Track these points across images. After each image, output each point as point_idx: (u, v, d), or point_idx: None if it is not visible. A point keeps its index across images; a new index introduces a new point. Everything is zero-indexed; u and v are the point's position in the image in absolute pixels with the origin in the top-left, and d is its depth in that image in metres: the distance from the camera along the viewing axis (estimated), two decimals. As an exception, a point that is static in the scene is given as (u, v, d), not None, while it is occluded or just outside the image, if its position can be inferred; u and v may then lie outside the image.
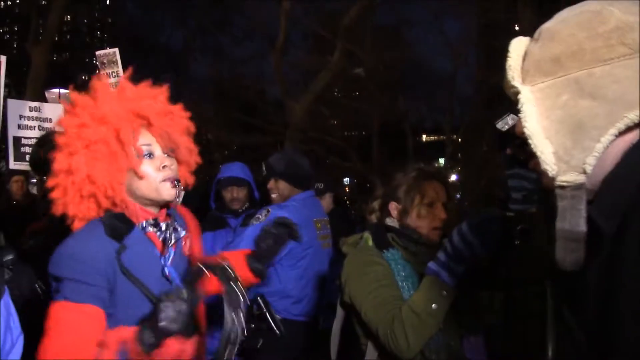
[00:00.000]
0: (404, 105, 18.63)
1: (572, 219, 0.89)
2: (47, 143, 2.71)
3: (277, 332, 2.88)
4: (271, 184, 3.23)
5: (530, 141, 0.92)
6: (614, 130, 0.86)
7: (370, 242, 2.11)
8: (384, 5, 17.08)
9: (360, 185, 24.84)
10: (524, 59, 0.98)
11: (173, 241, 1.67)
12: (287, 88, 14.36)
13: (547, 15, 1.01)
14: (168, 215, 1.74)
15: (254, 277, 2.05)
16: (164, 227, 1.67)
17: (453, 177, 19.16)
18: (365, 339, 2.06)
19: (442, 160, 19.22)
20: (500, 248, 1.75)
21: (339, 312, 2.21)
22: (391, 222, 2.16)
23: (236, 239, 2.99)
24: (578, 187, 0.88)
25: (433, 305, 1.81)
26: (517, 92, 0.97)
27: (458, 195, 14.96)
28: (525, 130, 0.93)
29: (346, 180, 25.18)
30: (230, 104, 16.72)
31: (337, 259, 3.27)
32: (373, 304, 1.94)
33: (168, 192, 1.64)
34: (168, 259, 1.64)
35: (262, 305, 2.89)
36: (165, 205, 1.71)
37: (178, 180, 1.66)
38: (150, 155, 1.65)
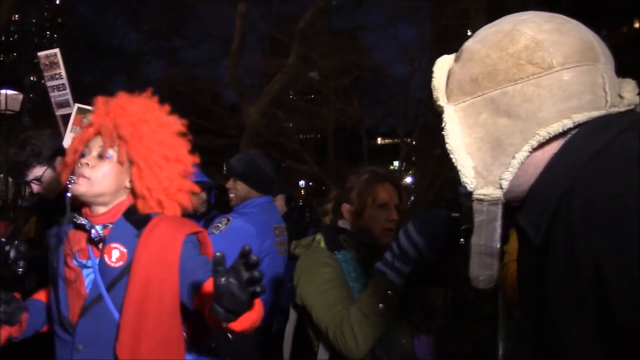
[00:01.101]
0: (359, 108, 18.73)
1: (488, 235, 0.91)
2: (27, 145, 2.64)
3: (229, 336, 2.86)
4: (229, 183, 3.21)
5: (451, 156, 0.95)
6: (527, 147, 0.88)
7: (323, 244, 2.11)
8: (339, 10, 17.21)
9: (315, 188, 24.89)
10: (448, 78, 1.01)
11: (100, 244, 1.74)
12: (243, 91, 14.27)
13: None
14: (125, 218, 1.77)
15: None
16: (82, 223, 1.74)
17: (407, 180, 19.39)
18: (317, 341, 2.06)
19: (396, 163, 19.45)
20: (445, 248, 1.78)
21: (292, 314, 2.21)
22: (343, 223, 2.17)
23: None
24: (495, 202, 0.90)
25: (380, 305, 1.82)
26: (443, 111, 1.00)
27: (412, 198, 15.15)
28: (447, 146, 0.96)
29: (302, 183, 25.21)
30: (185, 107, 16.56)
31: (290, 263, 3.27)
32: (323, 305, 1.94)
33: (69, 187, 1.71)
34: (75, 256, 1.75)
35: (215, 309, 2.87)
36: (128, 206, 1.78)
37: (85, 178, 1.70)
38: (83, 155, 1.75)
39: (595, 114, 0.88)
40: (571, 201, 0.80)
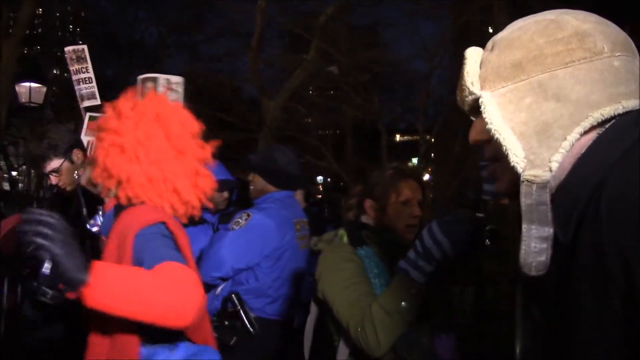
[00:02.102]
0: (379, 105, 18.68)
1: (539, 218, 0.89)
2: (44, 138, 2.72)
3: (251, 330, 2.88)
4: (250, 176, 3.23)
5: (498, 137, 0.93)
6: (579, 129, 0.88)
7: (345, 239, 2.12)
8: (360, 5, 17.12)
9: (334, 184, 24.88)
10: (480, 68, 1.00)
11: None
12: (263, 86, 14.31)
13: (520, 17, 1.03)
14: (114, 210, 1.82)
15: None
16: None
17: (426, 177, 19.31)
18: (337, 336, 2.07)
19: (415, 160, 19.36)
20: (469, 248, 1.78)
21: (313, 309, 2.22)
22: (366, 219, 2.18)
23: (217, 242, 2.96)
24: (544, 184, 0.89)
25: (402, 303, 1.83)
26: (475, 99, 0.99)
27: (431, 195, 15.10)
28: (492, 127, 0.94)
29: (320, 178, 25.22)
30: (205, 102, 16.62)
31: (311, 258, 3.28)
32: (345, 301, 1.95)
33: None
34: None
35: (237, 303, 2.89)
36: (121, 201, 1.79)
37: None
38: None
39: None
40: (599, 199, 0.79)
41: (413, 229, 2.10)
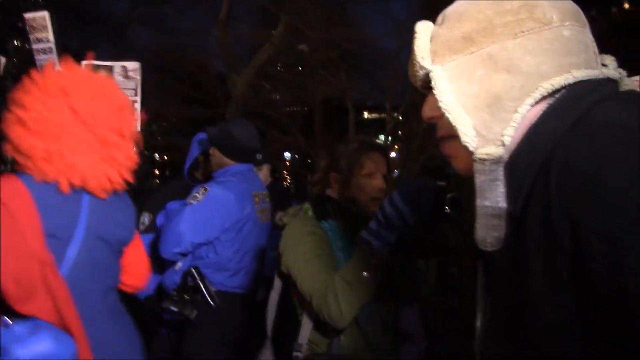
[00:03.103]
0: (347, 82, 18.63)
1: (492, 195, 0.89)
2: None
3: (212, 303, 2.86)
4: (210, 150, 3.20)
5: (448, 117, 0.91)
6: (530, 100, 0.87)
7: (310, 213, 2.09)
8: (329, -19, 16.96)
9: (301, 160, 24.87)
10: (430, 42, 0.99)
11: None
12: (231, 61, 14.11)
13: None
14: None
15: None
16: None
17: (393, 154, 19.41)
18: (301, 309, 2.06)
19: (382, 137, 19.43)
20: (431, 216, 1.76)
21: (277, 283, 2.20)
22: (331, 193, 2.15)
23: (174, 218, 2.92)
24: (497, 160, 0.88)
25: (364, 273, 1.81)
26: (427, 74, 0.97)
27: (397, 172, 15.18)
28: (442, 106, 0.92)
29: (287, 155, 25.16)
30: (172, 76, 16.36)
31: (274, 232, 3.26)
32: (308, 273, 1.93)
33: None
34: None
35: (196, 276, 2.86)
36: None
37: None
38: None
39: (590, 72, 0.87)
40: (549, 170, 0.79)
41: (377, 201, 2.08)
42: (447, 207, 1.73)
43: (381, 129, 20.34)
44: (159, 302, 2.95)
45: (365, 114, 28.87)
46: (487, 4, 0.92)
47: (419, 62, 0.98)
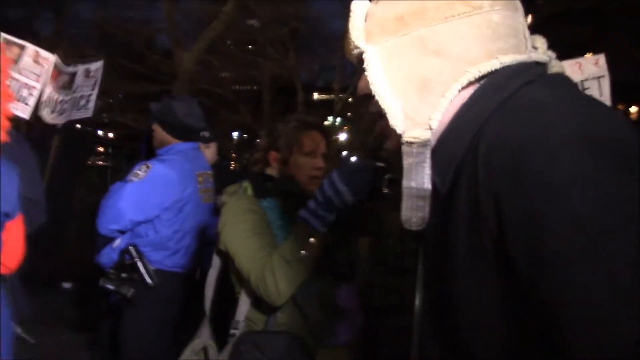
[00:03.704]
0: (296, 61, 18.55)
1: (418, 177, 0.91)
2: None
3: (150, 282, 2.83)
4: (153, 126, 3.14)
5: (377, 99, 0.92)
6: (457, 85, 0.88)
7: (249, 191, 2.09)
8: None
9: (249, 140, 24.72)
10: (365, 21, 0.99)
11: None
12: (178, 36, 13.82)
13: None
14: None
15: None
16: None
17: (343, 136, 19.52)
18: (239, 287, 2.06)
19: (331, 119, 19.48)
20: (369, 197, 1.79)
21: (215, 261, 2.19)
22: (271, 171, 2.15)
23: (114, 194, 2.86)
24: (424, 143, 0.89)
25: (302, 251, 1.83)
26: (361, 53, 0.97)
27: (345, 153, 15.27)
28: (372, 87, 0.93)
29: (235, 134, 24.93)
30: (116, 50, 15.90)
31: (217, 212, 3.24)
32: (246, 251, 1.93)
33: None
34: None
35: (134, 255, 2.82)
36: None
37: None
38: None
39: (518, 57, 0.89)
40: (477, 148, 0.81)
41: (316, 180, 2.09)
42: (384, 188, 1.77)
43: (330, 110, 20.38)
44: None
45: (315, 95, 28.85)
46: None
47: (353, 41, 0.98)
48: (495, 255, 0.77)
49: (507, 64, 0.88)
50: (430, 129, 0.89)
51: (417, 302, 2.24)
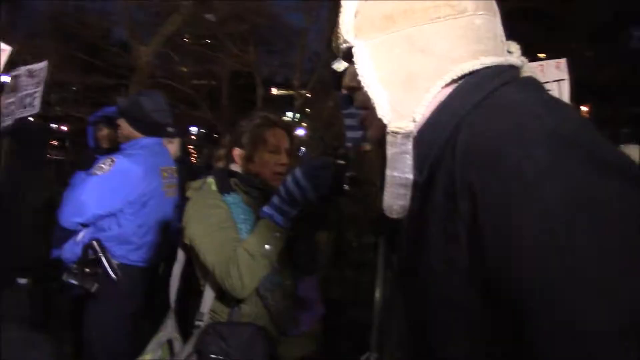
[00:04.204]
0: (256, 57, 18.45)
1: (400, 166, 0.95)
2: None
3: (113, 276, 2.85)
4: (118, 121, 3.15)
5: (367, 90, 0.97)
6: (441, 82, 0.94)
7: (214, 187, 2.14)
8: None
9: (208, 135, 24.48)
10: (355, 17, 1.04)
11: None
12: (134, 30, 13.61)
13: None
14: None
15: None
16: None
17: (301, 132, 19.51)
18: (203, 281, 2.11)
19: (290, 114, 19.44)
20: (331, 193, 1.87)
21: (180, 256, 2.23)
22: (235, 167, 2.20)
23: (78, 187, 2.87)
24: (407, 134, 0.94)
25: (266, 246, 1.90)
26: (350, 47, 1.02)
27: (303, 149, 15.29)
28: (361, 79, 0.98)
29: (194, 129, 24.68)
30: (73, 44, 15.56)
31: (181, 206, 3.27)
32: (211, 245, 1.98)
33: None
34: None
35: (98, 249, 2.84)
36: None
37: None
38: None
39: (496, 59, 0.96)
40: (455, 142, 0.87)
41: (280, 176, 2.15)
42: (346, 185, 1.85)
43: (289, 106, 20.34)
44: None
45: (274, 90, 28.74)
46: None
47: (342, 36, 1.03)
48: (468, 243, 0.82)
49: (486, 64, 0.94)
50: (414, 121, 0.95)
51: (377, 295, 2.35)
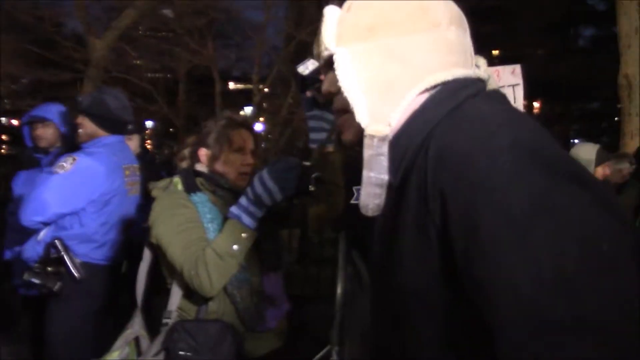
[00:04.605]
0: (213, 51, 18.30)
1: (377, 167, 1.02)
2: None
3: (77, 275, 2.85)
4: (78, 119, 3.12)
5: (347, 95, 1.04)
6: (416, 90, 1.01)
7: (180, 186, 2.17)
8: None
9: (164, 129, 24.19)
10: (337, 26, 1.10)
11: None
12: (89, 23, 13.35)
13: None
14: None
15: None
16: None
17: (259, 127, 19.47)
18: (170, 279, 2.14)
19: (248, 109, 19.37)
20: (297, 194, 1.94)
21: (146, 254, 2.26)
22: (201, 167, 2.24)
23: (39, 186, 2.85)
24: (383, 138, 1.01)
25: (234, 246, 1.95)
26: (330, 55, 1.09)
27: (263, 145, 15.27)
28: (341, 84, 1.04)
29: (149, 123, 24.36)
30: (23, 36, 15.13)
31: (144, 204, 3.28)
32: (179, 245, 2.01)
33: None
34: None
35: (60, 248, 2.83)
36: None
37: None
38: None
39: (466, 72, 1.04)
40: (428, 148, 0.94)
41: (245, 176, 2.21)
42: (311, 186, 1.92)
43: (247, 100, 20.25)
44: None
45: (232, 85, 28.55)
46: (389, 1, 1.05)
47: (324, 43, 1.10)
48: (438, 243, 0.89)
49: (457, 76, 1.02)
50: (390, 125, 1.02)
51: (339, 290, 2.44)
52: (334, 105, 1.13)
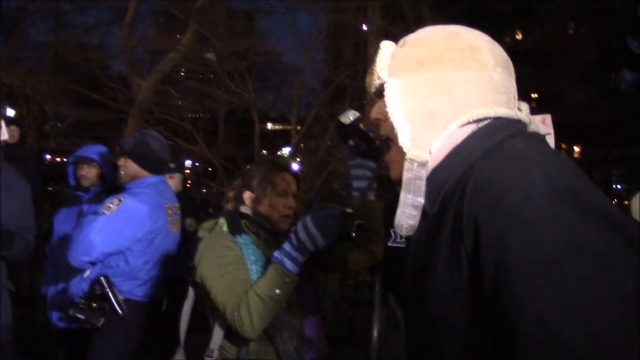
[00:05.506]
0: (253, 93, 18.66)
1: (414, 190, 1.07)
2: None
3: (120, 312, 2.92)
4: (121, 161, 3.23)
5: (392, 121, 1.10)
6: (458, 122, 1.06)
7: (225, 228, 2.23)
8: (238, -8, 16.97)
9: (204, 169, 24.56)
10: (390, 58, 1.17)
11: None
12: (134, 65, 13.81)
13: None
14: None
15: None
16: None
17: (295, 167, 19.60)
18: (213, 319, 2.19)
19: (285, 150, 19.59)
20: (339, 240, 1.99)
21: (190, 293, 2.32)
22: (245, 209, 2.30)
23: (86, 227, 2.94)
24: (423, 163, 1.07)
25: (277, 290, 1.99)
26: (381, 84, 1.16)
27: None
28: (389, 111, 1.10)
29: (188, 163, 24.77)
30: (70, 76, 15.71)
31: (183, 243, 3.36)
32: (223, 286, 2.07)
33: None
34: None
35: (105, 285, 2.91)
36: None
37: None
38: None
39: (508, 112, 1.09)
40: (467, 182, 0.98)
41: (288, 218, 2.27)
42: (352, 233, 1.98)
43: (285, 141, 20.48)
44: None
45: (270, 125, 28.96)
46: (442, 39, 1.12)
47: (377, 73, 1.17)
48: (469, 272, 0.93)
49: (498, 114, 1.08)
50: (430, 152, 1.07)
51: (375, 333, 2.45)
52: (381, 131, 1.20)
